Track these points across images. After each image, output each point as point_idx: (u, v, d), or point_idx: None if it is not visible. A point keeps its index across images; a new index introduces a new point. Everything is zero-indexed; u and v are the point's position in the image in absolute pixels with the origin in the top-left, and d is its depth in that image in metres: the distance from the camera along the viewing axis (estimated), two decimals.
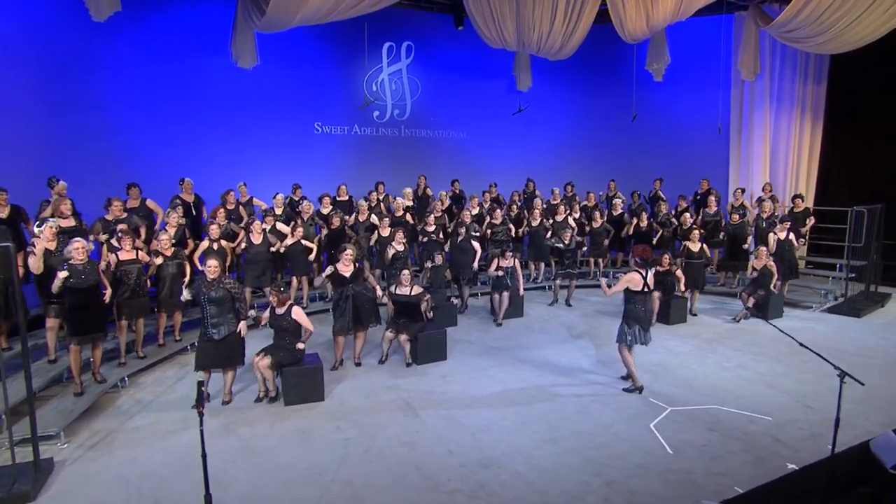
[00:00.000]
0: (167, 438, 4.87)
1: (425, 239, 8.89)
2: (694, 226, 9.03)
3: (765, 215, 9.51)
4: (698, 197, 10.56)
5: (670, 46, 11.22)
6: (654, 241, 9.66)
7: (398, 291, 6.44)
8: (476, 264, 8.50)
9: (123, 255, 5.96)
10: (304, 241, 8.11)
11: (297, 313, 5.51)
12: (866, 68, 10.25)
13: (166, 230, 6.67)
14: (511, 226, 9.83)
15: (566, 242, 8.89)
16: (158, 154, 9.13)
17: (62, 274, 5.02)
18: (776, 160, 11.16)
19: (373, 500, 3.97)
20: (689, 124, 11.92)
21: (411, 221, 9.50)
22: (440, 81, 11.66)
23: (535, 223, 9.78)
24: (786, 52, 10.84)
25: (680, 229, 9.66)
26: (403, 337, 6.49)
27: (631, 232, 10.07)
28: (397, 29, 11.13)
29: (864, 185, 10.91)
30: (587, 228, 10.27)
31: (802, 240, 9.63)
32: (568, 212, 10.02)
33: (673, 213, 10.32)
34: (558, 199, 10.80)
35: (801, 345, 4.37)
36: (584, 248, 10.49)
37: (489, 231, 9.57)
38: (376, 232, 8.81)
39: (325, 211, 9.18)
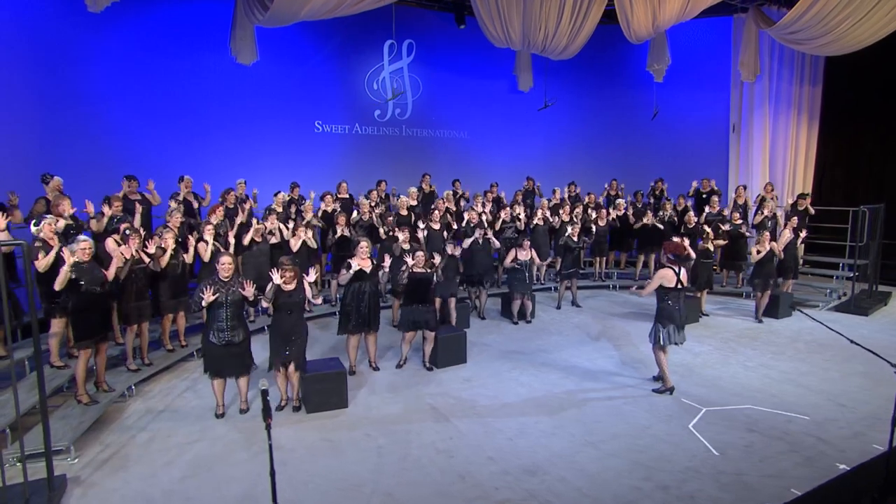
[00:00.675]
0: (185, 451, 4.55)
1: (426, 233, 8.70)
2: (704, 225, 8.99)
3: (767, 214, 9.57)
4: (703, 196, 10.55)
5: (670, 48, 11.27)
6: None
7: (414, 270, 6.15)
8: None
9: (129, 255, 5.61)
10: (308, 241, 7.87)
11: (307, 285, 5.24)
12: (861, 70, 10.45)
13: (171, 229, 6.31)
14: (522, 217, 9.66)
15: (575, 240, 8.77)
16: (155, 151, 8.76)
17: (61, 275, 4.66)
18: (774, 161, 11.28)
19: None
20: (688, 125, 11.98)
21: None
22: (441, 81, 11.49)
23: (538, 222, 9.65)
24: (783, 53, 10.97)
25: (684, 228, 9.64)
26: (430, 336, 6.25)
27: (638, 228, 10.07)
28: (398, 27, 10.91)
29: (859, 186, 11.10)
30: (592, 228, 10.19)
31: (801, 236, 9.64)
32: (572, 210, 9.92)
33: (673, 211, 10.32)
34: (558, 198, 10.72)
35: (852, 342, 4.29)
36: (587, 248, 10.40)
37: (498, 227, 9.43)
38: (381, 231, 8.58)
39: (327, 209, 8.93)
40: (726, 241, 9.21)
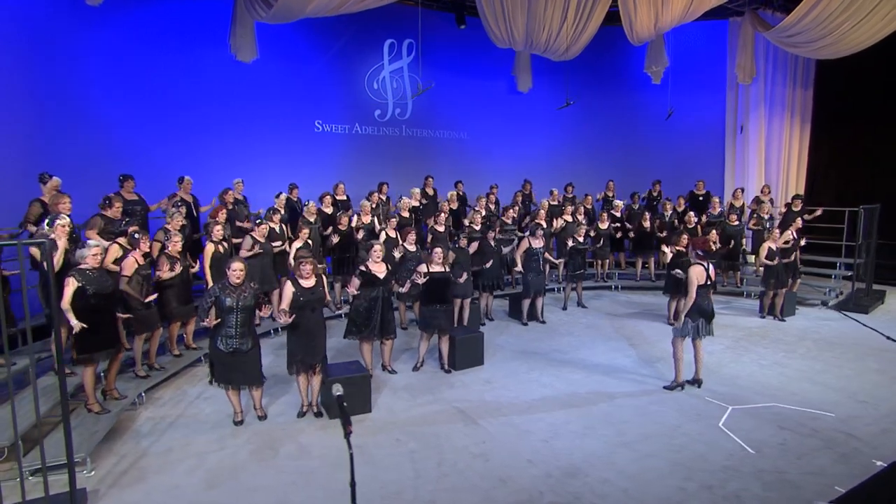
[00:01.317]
0: (206, 461, 4.34)
1: (431, 237, 8.58)
2: (709, 227, 9.06)
3: (765, 216, 9.70)
4: (699, 198, 10.64)
5: (668, 50, 11.37)
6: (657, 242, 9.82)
7: (431, 269, 6.01)
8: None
9: (141, 260, 5.37)
10: (311, 243, 7.69)
11: (325, 281, 5.08)
12: (852, 74, 10.68)
13: (176, 233, 6.06)
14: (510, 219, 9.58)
15: (581, 240, 8.75)
16: (150, 150, 8.46)
17: (69, 286, 4.40)
18: (769, 163, 11.47)
19: None
20: (685, 126, 12.09)
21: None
22: (441, 81, 11.35)
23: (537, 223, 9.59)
24: (777, 57, 11.18)
25: (684, 228, 9.70)
26: (444, 340, 6.13)
27: (639, 231, 10.10)
28: (399, 26, 10.81)
29: (849, 188, 11.32)
30: (592, 231, 10.19)
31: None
32: (573, 212, 9.91)
33: (673, 213, 10.40)
34: (557, 199, 10.71)
35: (889, 338, 4.30)
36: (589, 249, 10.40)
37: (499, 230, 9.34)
38: (384, 234, 8.42)
39: (327, 210, 8.75)
40: (730, 244, 9.32)
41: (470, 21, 10.87)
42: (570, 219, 9.68)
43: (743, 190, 10.40)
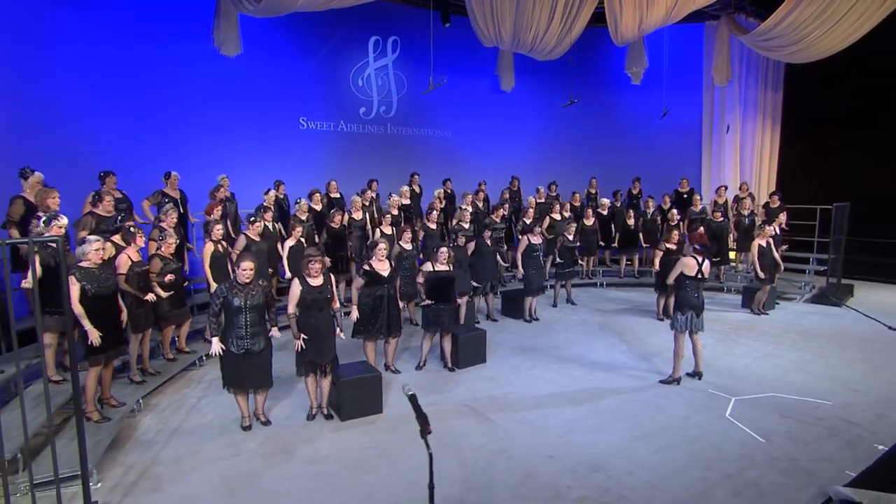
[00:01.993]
0: (220, 468, 4.17)
1: (424, 234, 8.54)
2: (692, 224, 9.30)
3: (745, 212, 10.04)
4: (683, 196, 10.92)
5: (647, 52, 11.65)
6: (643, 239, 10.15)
7: (436, 268, 5.97)
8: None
9: (135, 257, 5.12)
10: (304, 241, 7.52)
11: (333, 280, 4.96)
12: (819, 79, 11.17)
13: (170, 233, 5.81)
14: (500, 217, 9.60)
15: (571, 238, 8.84)
16: (129, 146, 8.07)
17: (74, 286, 4.18)
18: (744, 162, 11.88)
19: None
20: (664, 126, 12.37)
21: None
22: (426, 79, 11.29)
23: (528, 221, 9.66)
24: (750, 60, 11.59)
25: (667, 226, 9.94)
26: (447, 338, 6.08)
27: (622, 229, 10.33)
28: (383, 23, 10.71)
29: (817, 187, 11.82)
30: (579, 227, 10.33)
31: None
32: (560, 209, 10.01)
33: (657, 210, 10.66)
34: (543, 197, 10.81)
35: (891, 328, 4.50)
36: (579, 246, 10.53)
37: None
38: (377, 231, 8.33)
39: (317, 208, 8.60)
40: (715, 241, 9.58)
41: (454, 20, 10.85)
42: (557, 216, 9.78)
43: (726, 188, 10.71)
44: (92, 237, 4.43)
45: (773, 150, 12.21)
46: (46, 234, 4.34)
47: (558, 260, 8.85)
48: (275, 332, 4.74)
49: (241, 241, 6.65)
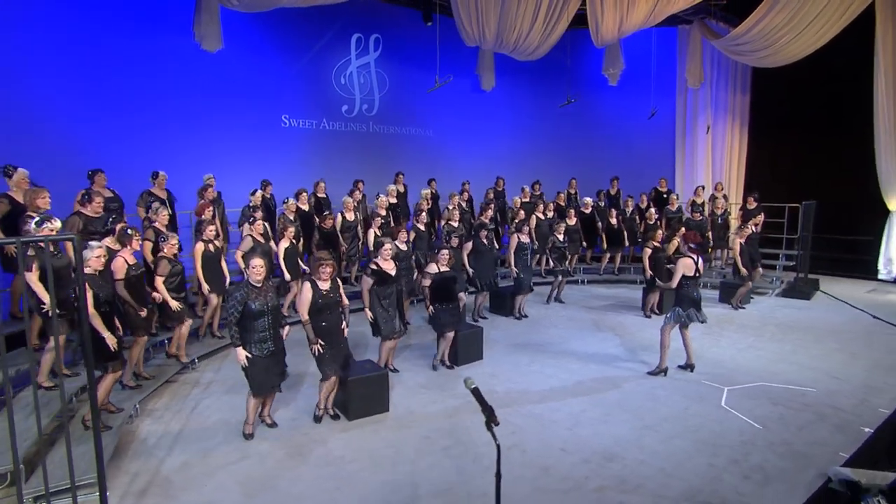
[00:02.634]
0: (232, 472, 4.08)
1: (414, 235, 8.52)
2: (670, 222, 9.58)
3: (718, 212, 10.44)
4: (663, 195, 11.23)
5: (623, 54, 11.94)
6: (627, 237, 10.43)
7: (439, 269, 5.97)
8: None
9: (130, 260, 4.94)
10: (296, 242, 7.44)
11: (340, 282, 4.93)
12: (789, 85, 11.66)
13: (173, 234, 5.65)
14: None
15: (561, 238, 9.00)
16: (109, 144, 7.77)
17: (90, 293, 4.02)
18: (714, 162, 12.32)
19: None
20: (639, 127, 12.72)
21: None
22: (408, 77, 11.31)
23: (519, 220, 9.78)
24: (721, 63, 12.04)
25: (645, 224, 10.24)
26: (450, 335, 6.10)
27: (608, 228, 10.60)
28: (365, 21, 10.63)
29: (781, 188, 12.32)
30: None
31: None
32: (544, 209, 10.16)
33: (636, 210, 10.96)
34: (528, 197, 10.96)
35: (875, 317, 4.77)
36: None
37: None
38: (371, 232, 8.29)
39: (304, 208, 8.49)
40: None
41: (436, 18, 10.87)
42: (542, 216, 9.92)
43: (703, 187, 11.08)
44: (94, 243, 4.28)
45: (742, 152, 12.71)
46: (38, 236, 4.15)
47: (550, 260, 8.95)
48: (286, 330, 4.65)
49: (248, 243, 6.50)
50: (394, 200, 9.53)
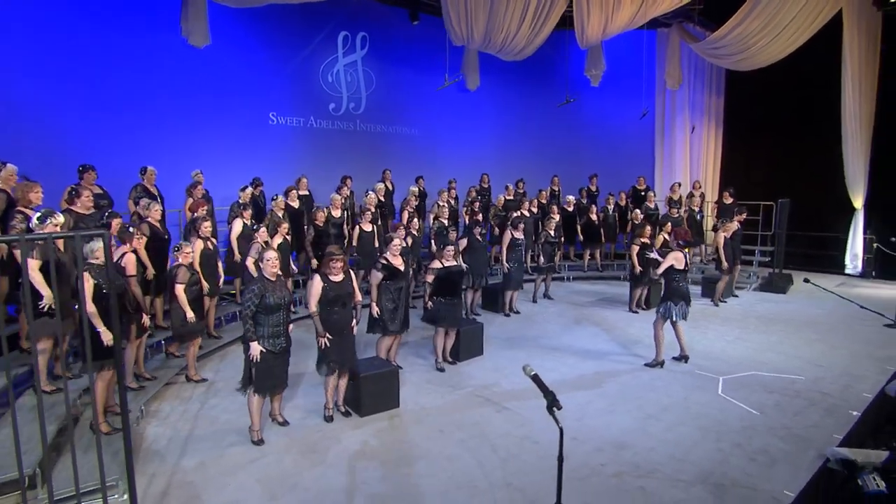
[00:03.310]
0: (253, 471, 4.04)
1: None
2: (649, 219, 9.85)
3: (696, 208, 10.81)
4: (641, 193, 11.55)
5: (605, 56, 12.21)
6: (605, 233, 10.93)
7: (446, 264, 6.01)
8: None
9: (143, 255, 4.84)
10: (289, 239, 7.38)
11: (353, 276, 4.91)
12: (762, 89, 12.14)
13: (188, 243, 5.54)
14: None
15: (552, 234, 9.15)
16: (94, 139, 7.55)
17: (88, 283, 3.92)
18: (692, 162, 12.72)
19: (549, 498, 3.72)
20: (618, 127, 13.03)
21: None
22: (394, 76, 11.30)
23: (516, 215, 9.82)
24: (697, 65, 12.44)
25: (631, 224, 10.48)
26: (451, 332, 6.15)
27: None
28: (353, 19, 10.58)
29: (755, 187, 12.83)
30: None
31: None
32: (529, 206, 10.31)
33: (616, 207, 11.25)
34: (512, 194, 11.10)
35: (862, 307, 5.05)
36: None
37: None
38: (357, 228, 8.30)
39: (294, 205, 8.42)
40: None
41: (423, 17, 10.93)
42: (527, 213, 10.05)
43: (680, 184, 11.42)
44: (97, 237, 4.14)
45: (718, 152, 13.17)
46: (38, 232, 4.03)
47: (541, 256, 9.09)
48: (291, 327, 4.62)
49: (257, 248, 6.38)
50: (382, 198, 9.53)
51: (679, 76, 11.92)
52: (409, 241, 7.93)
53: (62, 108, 7.40)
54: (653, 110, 12.64)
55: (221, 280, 6.65)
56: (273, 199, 8.08)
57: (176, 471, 4.03)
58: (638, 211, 10.46)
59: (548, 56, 12.38)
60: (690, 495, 3.77)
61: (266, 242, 6.62)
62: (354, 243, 8.29)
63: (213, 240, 6.25)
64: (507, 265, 8.21)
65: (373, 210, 8.86)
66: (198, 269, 5.62)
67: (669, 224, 9.25)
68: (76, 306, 4.07)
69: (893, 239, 8.85)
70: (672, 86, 11.95)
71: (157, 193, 6.95)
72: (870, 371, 6.09)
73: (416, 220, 8.66)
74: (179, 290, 5.16)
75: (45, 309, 4.18)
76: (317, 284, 4.62)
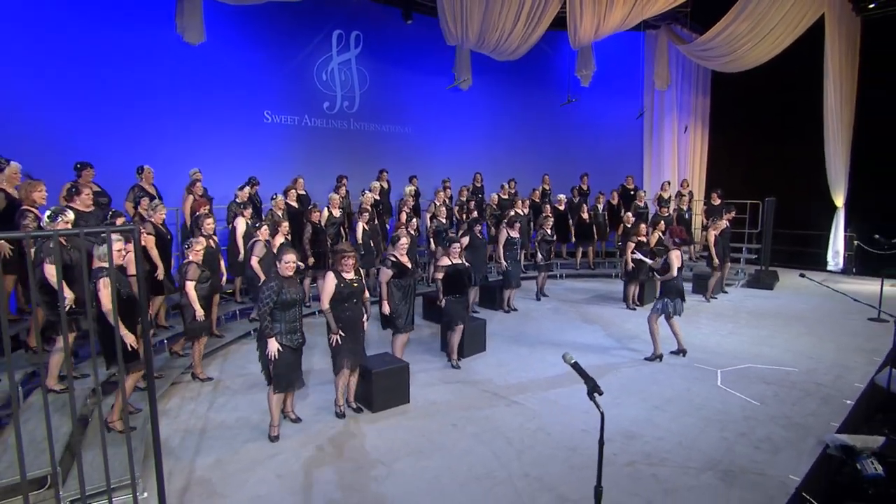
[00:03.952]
0: (271, 467, 4.06)
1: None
2: (638, 218, 10.04)
3: (685, 207, 11.04)
4: (630, 192, 11.75)
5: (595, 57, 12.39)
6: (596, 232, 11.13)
7: (453, 261, 6.06)
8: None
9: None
10: (289, 238, 7.36)
11: (363, 273, 4.97)
12: (746, 92, 12.45)
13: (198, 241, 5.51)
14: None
15: (549, 232, 9.27)
16: (89, 137, 7.45)
17: (106, 288, 3.89)
18: (680, 160, 12.99)
19: (568, 486, 3.83)
20: (607, 126, 13.24)
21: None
22: (388, 75, 11.32)
23: (512, 213, 9.92)
24: (684, 66, 12.70)
25: (623, 226, 10.65)
26: (459, 328, 6.21)
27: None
28: (347, 17, 10.58)
29: (740, 185, 13.18)
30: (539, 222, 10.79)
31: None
32: (522, 205, 10.43)
33: (606, 206, 11.45)
34: (506, 193, 11.22)
35: (856, 300, 5.26)
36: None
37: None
38: (360, 226, 8.34)
39: (293, 204, 8.43)
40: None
41: (416, 17, 10.97)
42: (521, 212, 10.17)
43: (669, 183, 11.65)
44: (113, 236, 4.10)
45: (704, 152, 13.46)
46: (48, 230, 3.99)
47: (539, 255, 9.18)
48: None
49: (261, 248, 6.38)
50: (377, 197, 9.56)
51: (667, 77, 12.17)
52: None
53: (55, 104, 7.28)
54: (641, 110, 12.87)
55: (224, 278, 6.63)
56: (272, 199, 8.07)
57: (193, 468, 4.03)
58: (629, 214, 10.64)
59: (539, 56, 12.52)
60: (701, 482, 3.90)
61: (267, 241, 6.63)
62: (358, 239, 8.31)
63: (215, 237, 6.22)
64: (503, 263, 8.32)
65: (370, 209, 8.91)
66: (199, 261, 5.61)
67: (663, 223, 9.44)
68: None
69: (877, 236, 9.14)
70: (661, 86, 12.19)
71: (155, 193, 6.88)
72: (859, 362, 6.32)
73: (414, 219, 8.73)
74: (190, 287, 5.14)
75: (68, 309, 4.14)
76: (329, 282, 4.64)
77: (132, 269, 4.70)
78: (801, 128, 12.03)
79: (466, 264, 6.22)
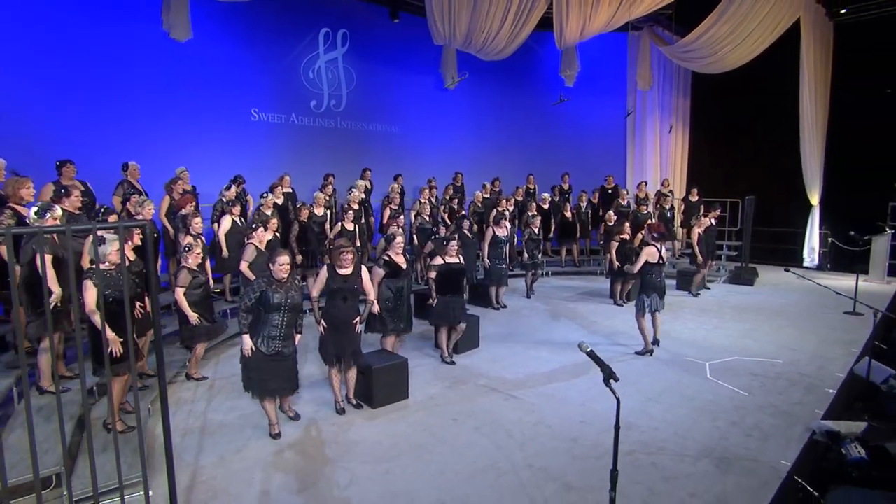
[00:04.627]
0: (277, 466, 4.05)
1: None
2: (621, 217, 10.22)
3: (667, 206, 11.30)
4: (608, 191, 11.95)
5: (578, 57, 12.59)
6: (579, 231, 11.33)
7: (448, 261, 6.10)
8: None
9: (131, 256, 4.74)
10: (279, 235, 7.34)
11: (366, 275, 4.87)
12: (724, 94, 12.78)
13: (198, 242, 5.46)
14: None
15: (536, 231, 9.38)
16: (72, 133, 7.31)
17: (90, 290, 3.82)
18: (662, 160, 13.27)
19: (572, 475, 3.91)
20: (590, 126, 13.44)
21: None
22: (374, 74, 11.32)
23: (500, 210, 10.01)
24: (666, 67, 12.98)
25: (605, 226, 10.83)
26: (458, 328, 6.26)
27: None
28: (333, 15, 10.56)
29: (718, 184, 13.53)
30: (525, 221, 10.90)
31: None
32: (506, 204, 10.53)
33: (588, 205, 11.64)
34: (489, 192, 11.31)
35: (838, 293, 5.47)
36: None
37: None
38: (340, 225, 8.32)
39: (279, 201, 8.38)
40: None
41: (402, 16, 11.00)
42: (506, 210, 10.25)
43: (646, 183, 11.90)
44: (110, 236, 4.06)
45: (685, 151, 13.78)
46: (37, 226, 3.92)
47: (525, 254, 9.29)
48: (298, 338, 4.52)
49: (251, 251, 6.24)
50: (363, 195, 9.56)
51: (650, 78, 12.42)
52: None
53: (38, 101, 7.15)
54: (623, 110, 13.11)
55: (210, 278, 6.55)
56: (261, 197, 7.99)
57: (196, 467, 4.01)
58: (611, 213, 10.82)
59: (527, 56, 12.66)
60: (698, 469, 4.02)
61: (256, 246, 6.54)
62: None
63: (202, 237, 6.15)
64: (486, 261, 8.39)
65: (356, 208, 8.90)
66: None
67: (648, 220, 9.66)
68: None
69: (852, 233, 9.49)
70: (643, 87, 12.44)
71: (142, 190, 6.78)
72: (838, 353, 6.56)
73: (401, 217, 8.75)
74: (179, 293, 5.05)
75: (52, 307, 4.07)
76: (322, 274, 4.66)
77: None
78: (778, 129, 12.40)
79: (462, 263, 6.26)
